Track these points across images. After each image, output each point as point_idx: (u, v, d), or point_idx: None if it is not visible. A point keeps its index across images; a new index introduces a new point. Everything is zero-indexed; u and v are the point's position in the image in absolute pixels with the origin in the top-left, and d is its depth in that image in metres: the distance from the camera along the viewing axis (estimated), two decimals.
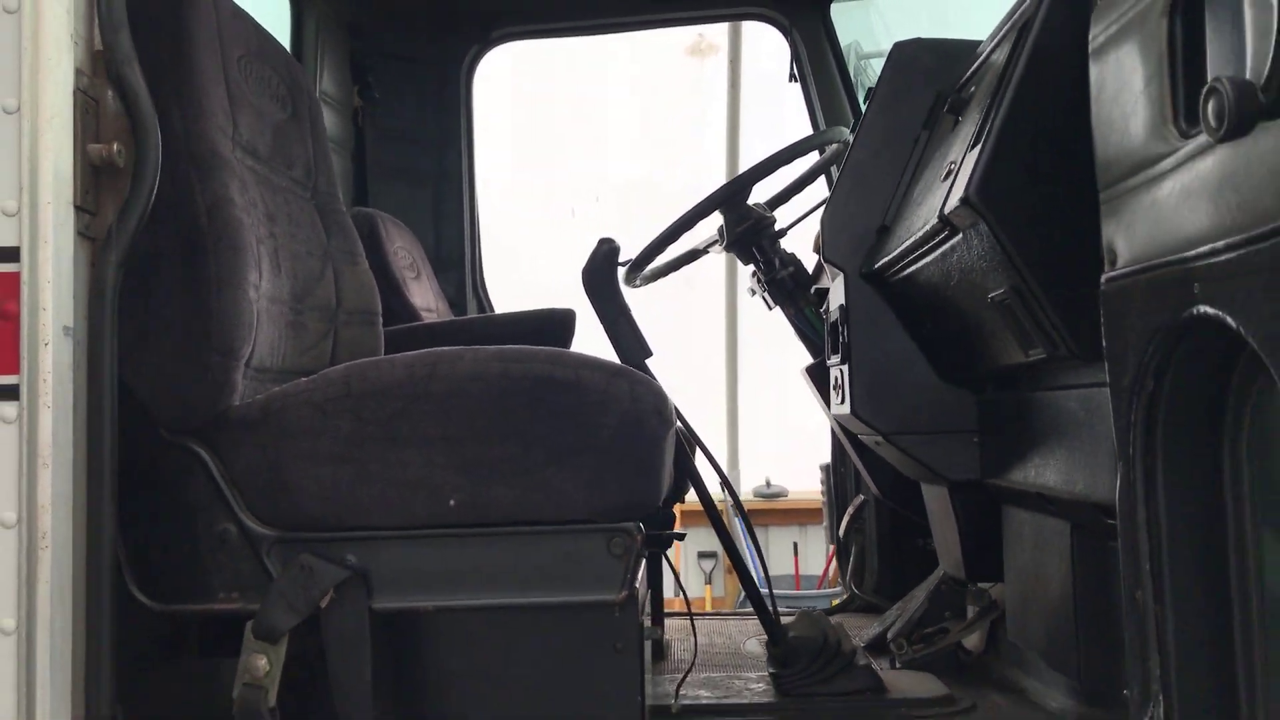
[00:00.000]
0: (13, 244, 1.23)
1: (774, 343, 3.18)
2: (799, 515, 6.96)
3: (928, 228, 1.73)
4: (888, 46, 2.66)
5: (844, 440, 3.23)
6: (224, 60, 1.74)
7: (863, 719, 2.32)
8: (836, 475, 3.67)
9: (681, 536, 2.85)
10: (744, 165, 3.62)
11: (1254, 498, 1.17)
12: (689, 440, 2.54)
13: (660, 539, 1.93)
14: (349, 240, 2.16)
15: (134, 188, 1.35)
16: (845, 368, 2.32)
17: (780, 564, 6.95)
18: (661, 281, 3.33)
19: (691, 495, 2.52)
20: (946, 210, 1.60)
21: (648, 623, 1.83)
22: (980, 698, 2.48)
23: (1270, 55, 0.86)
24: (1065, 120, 1.41)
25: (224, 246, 1.56)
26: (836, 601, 3.63)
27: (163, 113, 1.46)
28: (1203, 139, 1.04)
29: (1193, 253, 1.08)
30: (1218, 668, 1.21)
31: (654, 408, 1.54)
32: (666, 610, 3.06)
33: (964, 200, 1.53)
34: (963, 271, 1.71)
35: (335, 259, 2.08)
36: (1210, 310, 1.05)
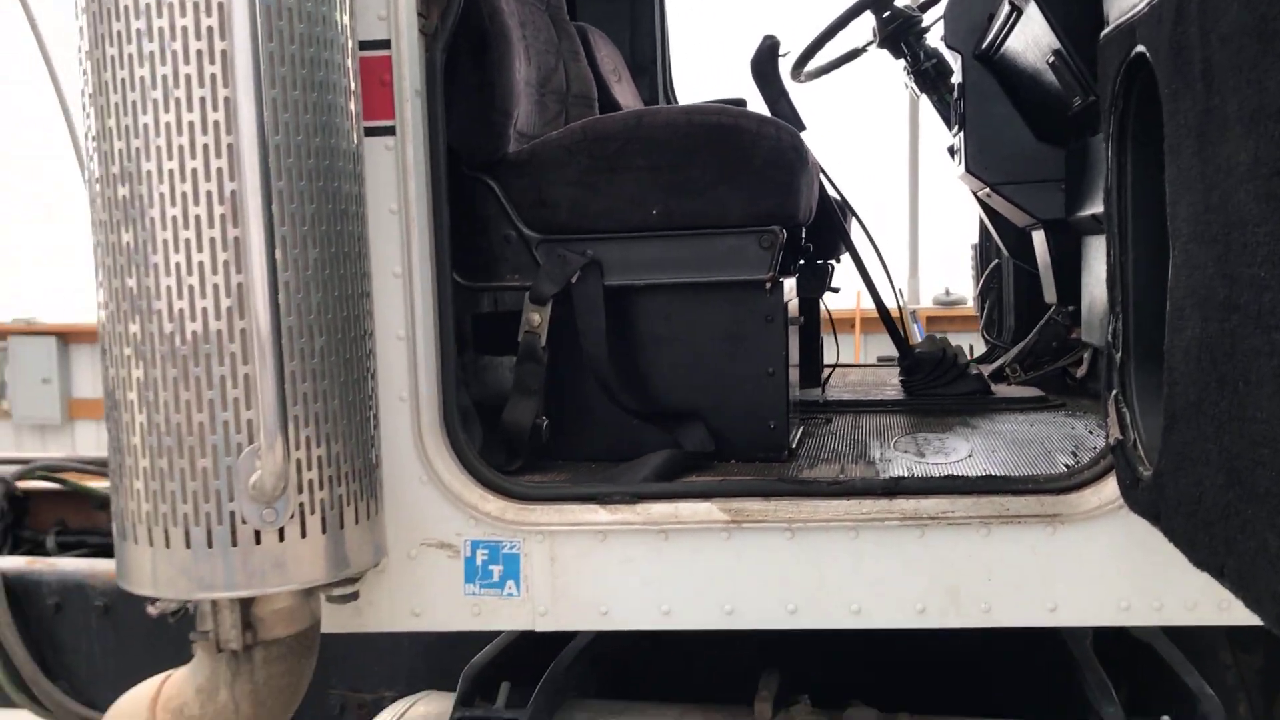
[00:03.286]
0: (386, 37, 2.00)
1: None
2: (977, 322, 7.38)
3: (1007, 8, 2.29)
4: None
5: (980, 210, 3.79)
6: None
7: (968, 411, 2.98)
8: (982, 247, 4.23)
9: (835, 272, 3.46)
10: None
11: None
12: (845, 211, 3.18)
13: (806, 253, 2.61)
14: (573, 42, 2.87)
15: (449, 1, 2.09)
16: (961, 134, 2.89)
17: None
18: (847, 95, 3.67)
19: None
20: None
21: (794, 311, 2.53)
22: (1071, 402, 3.11)
23: None
24: None
25: (500, 40, 2.30)
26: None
27: None
28: None
29: (1133, 11, 1.65)
30: (1154, 293, 1.81)
31: (791, 145, 2.21)
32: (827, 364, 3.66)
33: None
34: (1031, 42, 2.27)
35: (564, 56, 2.81)
36: (1141, 49, 1.63)
